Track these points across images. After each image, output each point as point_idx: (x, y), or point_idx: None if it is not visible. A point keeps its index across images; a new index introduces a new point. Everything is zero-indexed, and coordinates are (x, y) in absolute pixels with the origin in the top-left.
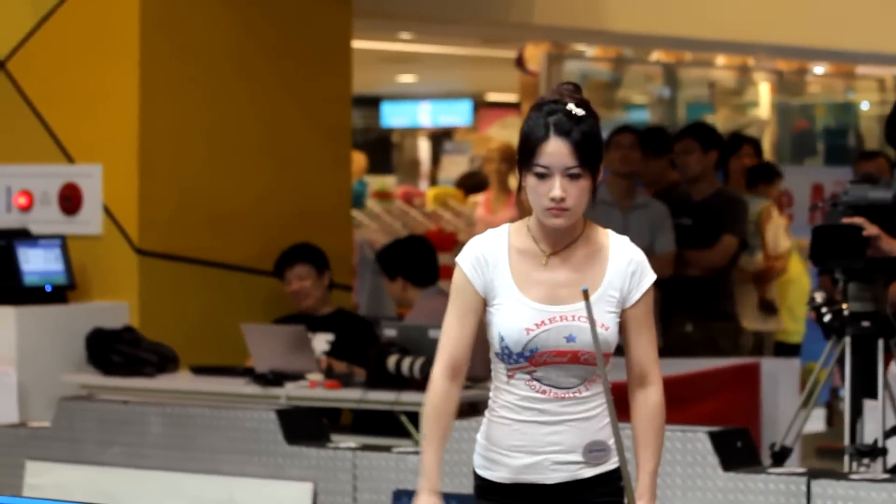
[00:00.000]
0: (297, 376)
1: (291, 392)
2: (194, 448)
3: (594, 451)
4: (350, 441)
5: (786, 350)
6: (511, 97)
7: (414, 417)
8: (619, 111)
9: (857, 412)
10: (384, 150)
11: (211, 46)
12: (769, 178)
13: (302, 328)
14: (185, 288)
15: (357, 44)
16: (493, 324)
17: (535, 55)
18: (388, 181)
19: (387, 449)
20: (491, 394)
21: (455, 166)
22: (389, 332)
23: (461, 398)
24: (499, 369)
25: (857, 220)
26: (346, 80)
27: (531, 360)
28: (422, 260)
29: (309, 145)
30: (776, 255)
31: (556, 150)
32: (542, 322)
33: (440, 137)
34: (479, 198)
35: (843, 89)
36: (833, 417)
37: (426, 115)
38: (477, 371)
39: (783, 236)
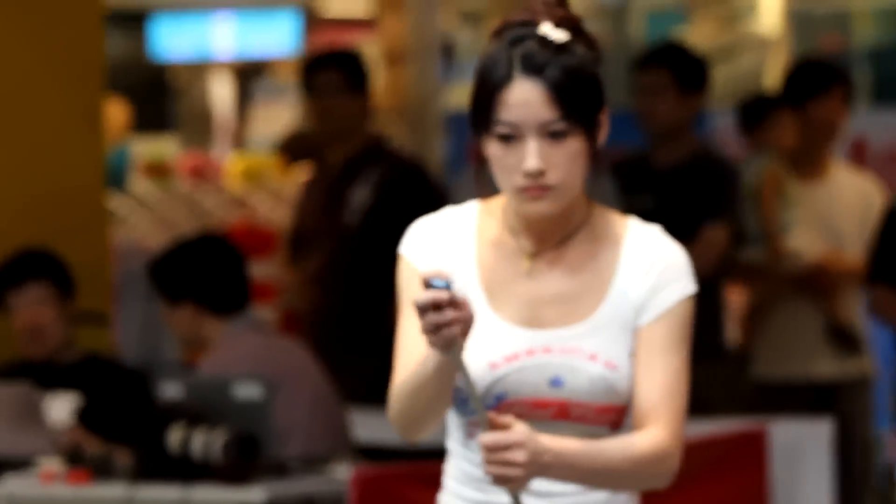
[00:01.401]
0: (22, 463)
1: (13, 489)
2: None
3: None
4: None
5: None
6: (360, 8)
7: None
8: None
9: None
10: (158, 95)
11: None
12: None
13: (27, 386)
14: None
15: None
16: None
17: None
18: (166, 145)
19: None
20: (446, 465)
21: (273, 121)
22: (172, 391)
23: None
24: (453, 422)
25: None
26: None
27: (497, 410)
28: (223, 273)
29: (37, 91)
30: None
31: (524, 97)
32: (516, 355)
33: (249, 75)
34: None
35: None
36: None
37: (225, 39)
38: (315, 448)
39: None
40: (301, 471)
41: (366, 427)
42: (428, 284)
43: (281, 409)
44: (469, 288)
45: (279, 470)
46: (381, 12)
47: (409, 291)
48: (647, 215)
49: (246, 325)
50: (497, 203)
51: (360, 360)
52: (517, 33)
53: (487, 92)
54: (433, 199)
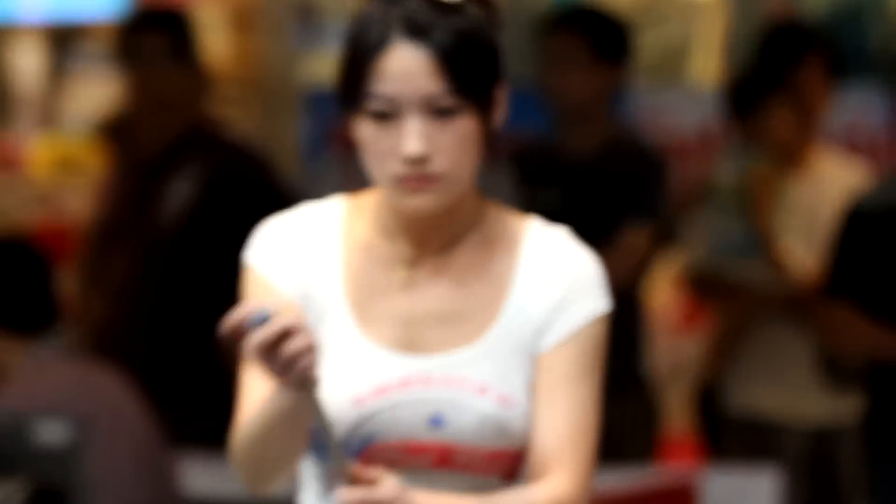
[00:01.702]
0: None
1: None
2: None
3: None
4: None
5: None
6: None
7: None
8: None
9: None
10: None
11: None
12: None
13: None
14: None
15: None
16: None
17: None
18: None
19: None
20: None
21: (92, 97)
22: None
23: None
24: (308, 471)
25: None
26: None
27: (363, 456)
28: (25, 285)
29: None
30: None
31: (405, 65)
32: (387, 386)
33: (62, 41)
34: None
35: None
36: None
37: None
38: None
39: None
40: None
41: (198, 476)
42: (251, 323)
43: (94, 456)
44: (332, 304)
45: None
46: None
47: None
48: (554, 214)
49: (52, 350)
50: (368, 198)
51: (181, 395)
52: None
53: (360, 59)
54: (275, 199)
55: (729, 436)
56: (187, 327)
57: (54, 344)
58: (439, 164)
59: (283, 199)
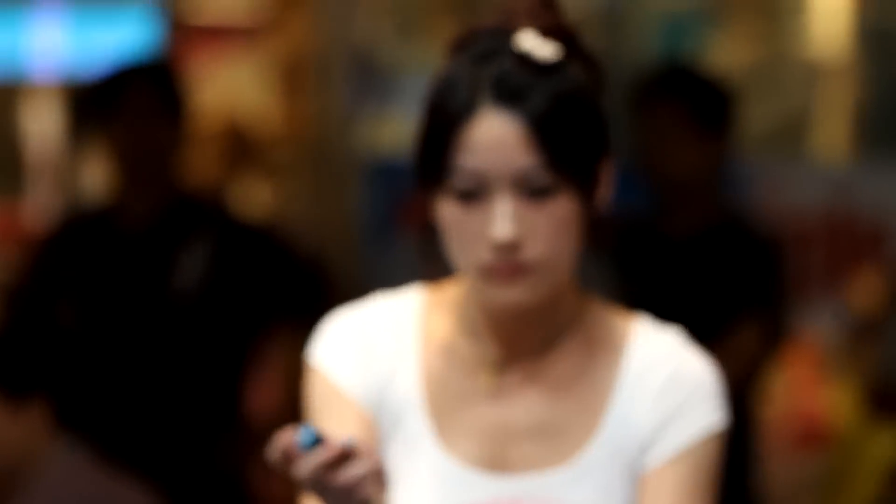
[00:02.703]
0: None
1: None
2: None
3: None
4: None
5: None
6: (242, 8)
7: None
8: None
9: None
10: None
11: None
12: None
13: None
14: None
15: None
16: None
17: None
18: None
19: None
20: None
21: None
22: None
23: None
24: None
25: None
26: None
27: None
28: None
29: None
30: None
31: (496, 135)
32: None
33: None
34: None
35: None
36: None
37: (44, 57)
38: None
39: None
40: None
41: None
42: (297, 448)
43: None
44: (408, 413)
45: None
46: (273, 14)
47: (325, 414)
48: (655, 305)
49: (82, 453)
50: (450, 290)
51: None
52: (487, 46)
53: (442, 128)
54: (298, 275)
55: None
56: (199, 403)
57: (78, 445)
58: (533, 252)
59: (306, 275)
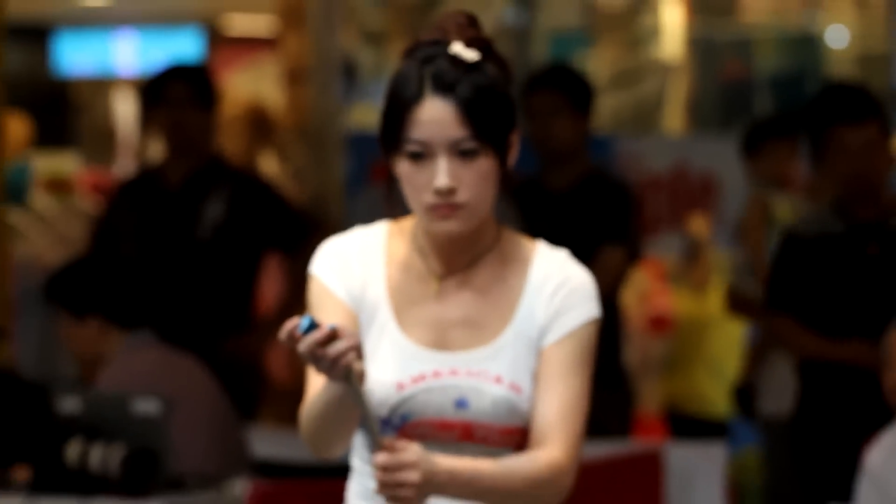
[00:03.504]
0: None
1: None
2: None
3: None
4: None
5: (706, 429)
6: (262, 27)
7: None
8: None
9: None
10: (60, 111)
11: None
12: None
13: None
14: None
15: None
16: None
17: None
18: (67, 161)
19: None
20: (349, 482)
21: None
22: (70, 406)
23: None
24: (359, 440)
25: None
26: None
27: (402, 430)
28: (122, 289)
29: None
30: None
31: (435, 114)
32: (423, 376)
33: None
34: None
35: (799, 10)
36: None
37: (126, 56)
38: (211, 465)
39: None
40: (198, 487)
41: (261, 443)
42: (298, 332)
43: (178, 426)
44: (378, 309)
45: (176, 485)
46: (282, 31)
47: (320, 309)
48: (543, 237)
49: (145, 341)
50: (407, 224)
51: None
52: (428, 52)
53: (398, 110)
54: (287, 211)
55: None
56: (221, 321)
57: (146, 335)
58: (463, 196)
59: (291, 212)
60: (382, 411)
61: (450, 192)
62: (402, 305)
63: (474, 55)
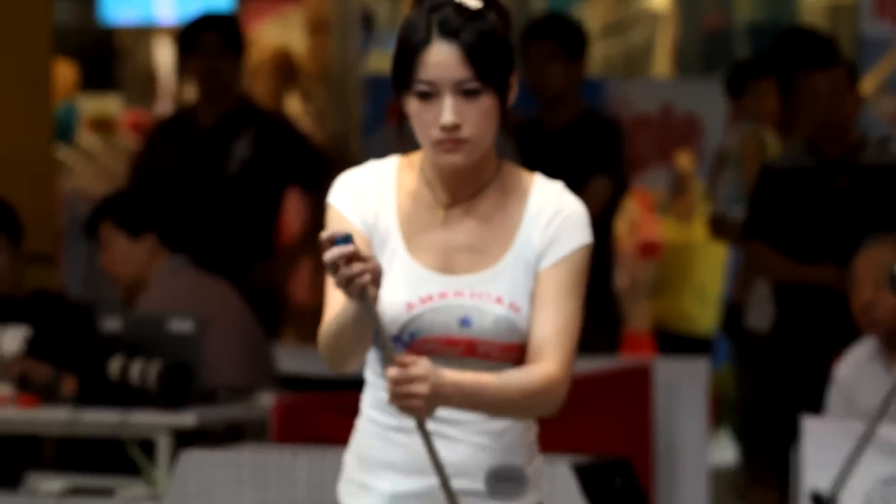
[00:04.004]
0: None
1: None
2: None
3: (503, 479)
4: (54, 483)
5: (690, 345)
6: None
7: (147, 447)
8: None
9: None
10: (104, 58)
11: None
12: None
13: None
14: None
15: None
16: None
17: None
18: (111, 103)
19: (108, 492)
20: (363, 393)
21: None
22: (112, 325)
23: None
24: (370, 356)
25: None
26: None
27: (411, 347)
28: (157, 217)
29: None
30: None
31: (441, 57)
32: (430, 297)
33: None
34: None
35: None
36: None
37: (166, 6)
38: (241, 379)
39: None
40: (228, 399)
41: (286, 359)
42: (332, 242)
43: (211, 343)
44: (390, 235)
45: (209, 397)
46: None
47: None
48: (541, 172)
49: (181, 264)
50: (416, 157)
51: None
52: (435, 1)
53: (408, 54)
54: (308, 150)
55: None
56: (247, 249)
57: (184, 259)
58: (467, 131)
59: (310, 148)
60: (393, 329)
61: (454, 127)
62: (412, 232)
63: (477, 4)
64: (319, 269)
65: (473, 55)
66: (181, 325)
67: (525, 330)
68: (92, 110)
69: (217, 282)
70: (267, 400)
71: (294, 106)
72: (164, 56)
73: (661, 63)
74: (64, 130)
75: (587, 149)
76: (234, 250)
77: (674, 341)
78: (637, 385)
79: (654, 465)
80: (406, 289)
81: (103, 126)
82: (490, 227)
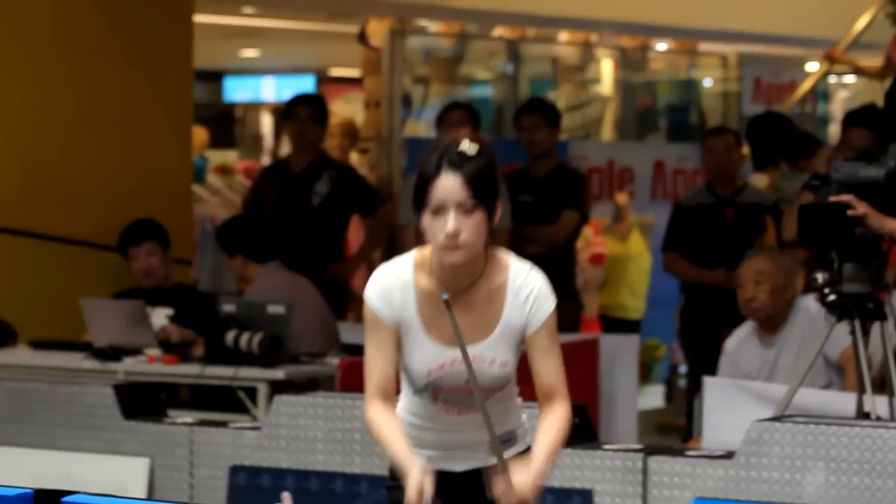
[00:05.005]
0: (135, 351)
1: (129, 367)
2: (31, 423)
3: (503, 440)
4: (187, 416)
5: (625, 326)
6: (354, 72)
7: (251, 393)
8: (461, 87)
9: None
10: (226, 124)
11: (55, 21)
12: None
13: (140, 303)
14: (28, 263)
15: (200, 18)
16: (401, 353)
17: (378, 31)
18: (230, 156)
19: (224, 424)
20: (402, 392)
21: None
22: (228, 308)
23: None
24: (405, 381)
25: (845, 197)
26: (188, 54)
27: (434, 392)
28: (262, 236)
29: (152, 119)
30: None
31: (448, 184)
32: (443, 365)
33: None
34: None
35: (685, 66)
36: (672, 394)
37: (269, 89)
38: (317, 346)
39: None
40: (308, 360)
41: (347, 333)
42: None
43: (296, 321)
44: (412, 324)
45: (294, 359)
46: (365, 75)
47: (374, 327)
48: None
49: (275, 268)
50: (426, 258)
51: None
52: (445, 147)
53: (425, 181)
54: (367, 189)
55: None
56: (324, 256)
57: (275, 265)
58: (464, 237)
59: (370, 189)
60: (420, 385)
61: (455, 234)
62: (428, 318)
63: (475, 149)
64: (373, 270)
65: (471, 182)
66: (276, 309)
67: (509, 378)
68: (217, 160)
69: (301, 278)
70: (334, 361)
71: (356, 158)
72: (267, 123)
73: (608, 130)
74: (198, 174)
75: (561, 191)
76: (314, 257)
77: (614, 323)
78: (589, 353)
79: (599, 409)
80: (427, 360)
81: (225, 171)
82: (483, 309)
